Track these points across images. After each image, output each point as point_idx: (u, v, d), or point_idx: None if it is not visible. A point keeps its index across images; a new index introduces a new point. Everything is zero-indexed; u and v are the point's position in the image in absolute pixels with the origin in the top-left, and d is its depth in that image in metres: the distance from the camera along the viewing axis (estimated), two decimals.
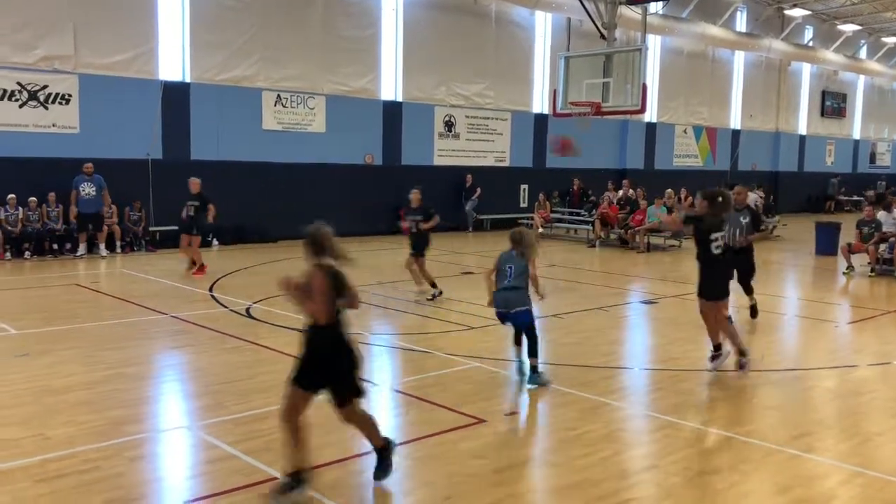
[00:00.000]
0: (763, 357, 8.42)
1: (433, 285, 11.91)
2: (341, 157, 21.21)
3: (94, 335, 9.31)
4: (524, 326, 7.46)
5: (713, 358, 7.96)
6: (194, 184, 14.16)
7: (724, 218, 7.99)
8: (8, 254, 15.89)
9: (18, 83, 16.21)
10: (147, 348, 8.90)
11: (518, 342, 7.61)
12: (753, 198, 19.89)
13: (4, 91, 16.08)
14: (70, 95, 16.88)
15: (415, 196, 12.13)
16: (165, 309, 10.72)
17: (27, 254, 16.07)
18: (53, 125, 16.73)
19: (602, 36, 21.02)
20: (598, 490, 5.07)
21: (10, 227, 15.99)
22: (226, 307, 11.04)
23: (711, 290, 7.80)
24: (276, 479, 5.00)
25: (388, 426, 6.41)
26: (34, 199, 16.24)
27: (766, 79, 34.62)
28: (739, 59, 33.06)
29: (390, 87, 22.39)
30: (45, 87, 16.54)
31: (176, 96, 18.32)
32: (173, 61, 18.44)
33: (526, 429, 6.58)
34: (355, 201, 21.26)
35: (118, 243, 17.07)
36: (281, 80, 20.03)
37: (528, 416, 6.86)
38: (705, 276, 7.81)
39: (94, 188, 16.32)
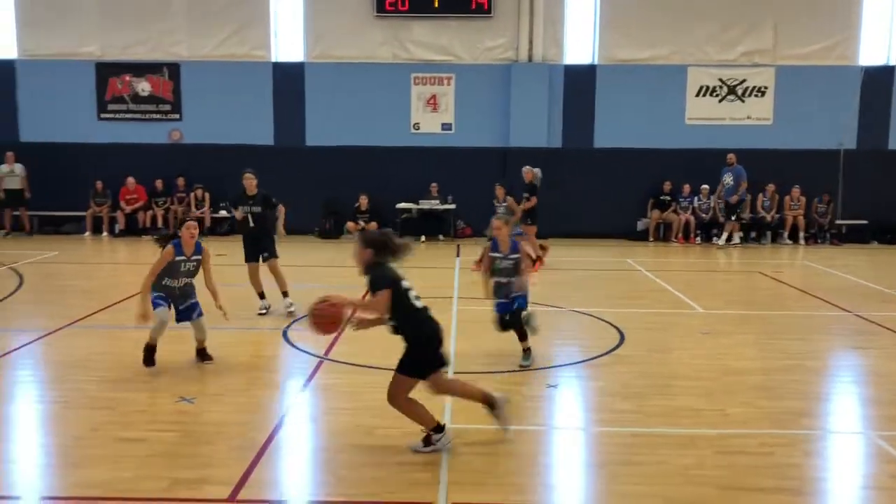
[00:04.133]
0: None
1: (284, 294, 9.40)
2: None
3: (773, 323, 9.53)
4: None
5: None
6: None
7: None
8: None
9: (720, 79, 17.46)
10: (826, 344, 8.71)
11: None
12: None
13: (707, 87, 17.49)
14: (766, 88, 17.43)
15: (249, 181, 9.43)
16: (848, 306, 10.26)
17: (697, 239, 17.23)
18: (748, 117, 17.53)
19: None
20: None
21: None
22: None
23: None
24: None
25: None
26: (707, 186, 17.19)
27: None
28: None
29: None
30: (742, 81, 17.44)
31: (874, 83, 17.21)
32: (872, 45, 17.33)
33: None
34: None
35: (801, 234, 16.99)
36: None
37: None
38: None
39: (731, 178, 16.45)
